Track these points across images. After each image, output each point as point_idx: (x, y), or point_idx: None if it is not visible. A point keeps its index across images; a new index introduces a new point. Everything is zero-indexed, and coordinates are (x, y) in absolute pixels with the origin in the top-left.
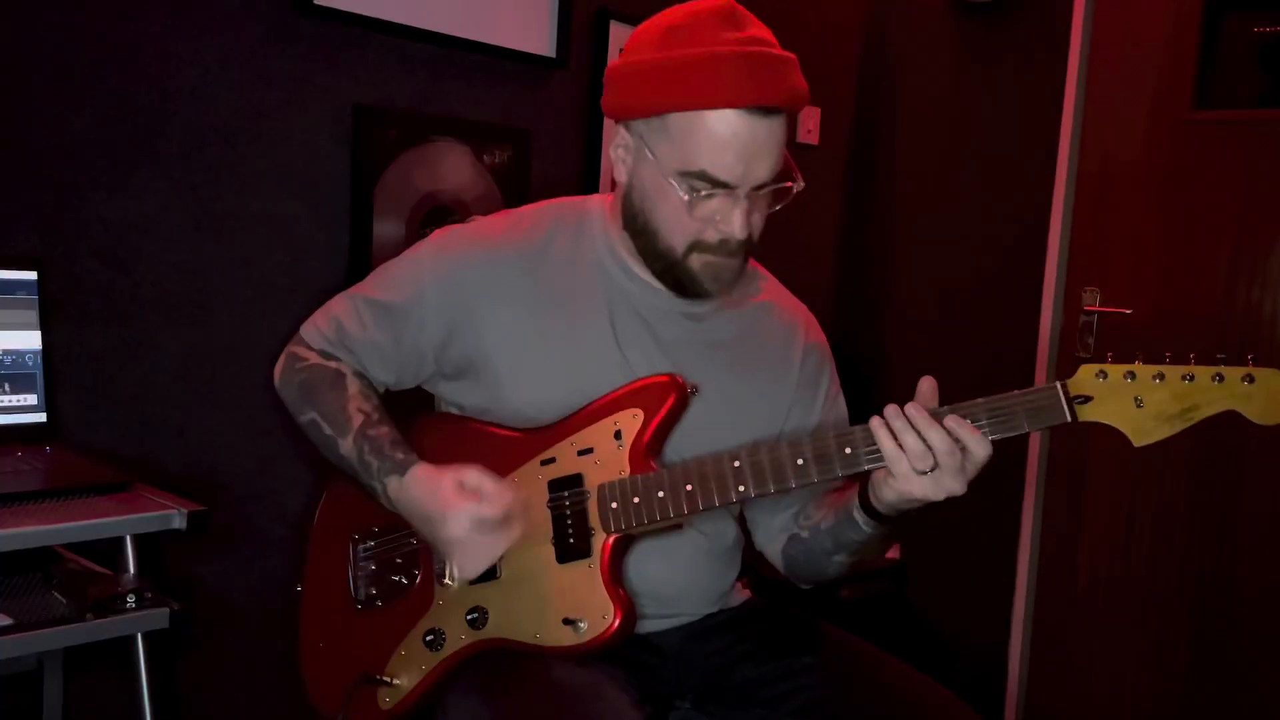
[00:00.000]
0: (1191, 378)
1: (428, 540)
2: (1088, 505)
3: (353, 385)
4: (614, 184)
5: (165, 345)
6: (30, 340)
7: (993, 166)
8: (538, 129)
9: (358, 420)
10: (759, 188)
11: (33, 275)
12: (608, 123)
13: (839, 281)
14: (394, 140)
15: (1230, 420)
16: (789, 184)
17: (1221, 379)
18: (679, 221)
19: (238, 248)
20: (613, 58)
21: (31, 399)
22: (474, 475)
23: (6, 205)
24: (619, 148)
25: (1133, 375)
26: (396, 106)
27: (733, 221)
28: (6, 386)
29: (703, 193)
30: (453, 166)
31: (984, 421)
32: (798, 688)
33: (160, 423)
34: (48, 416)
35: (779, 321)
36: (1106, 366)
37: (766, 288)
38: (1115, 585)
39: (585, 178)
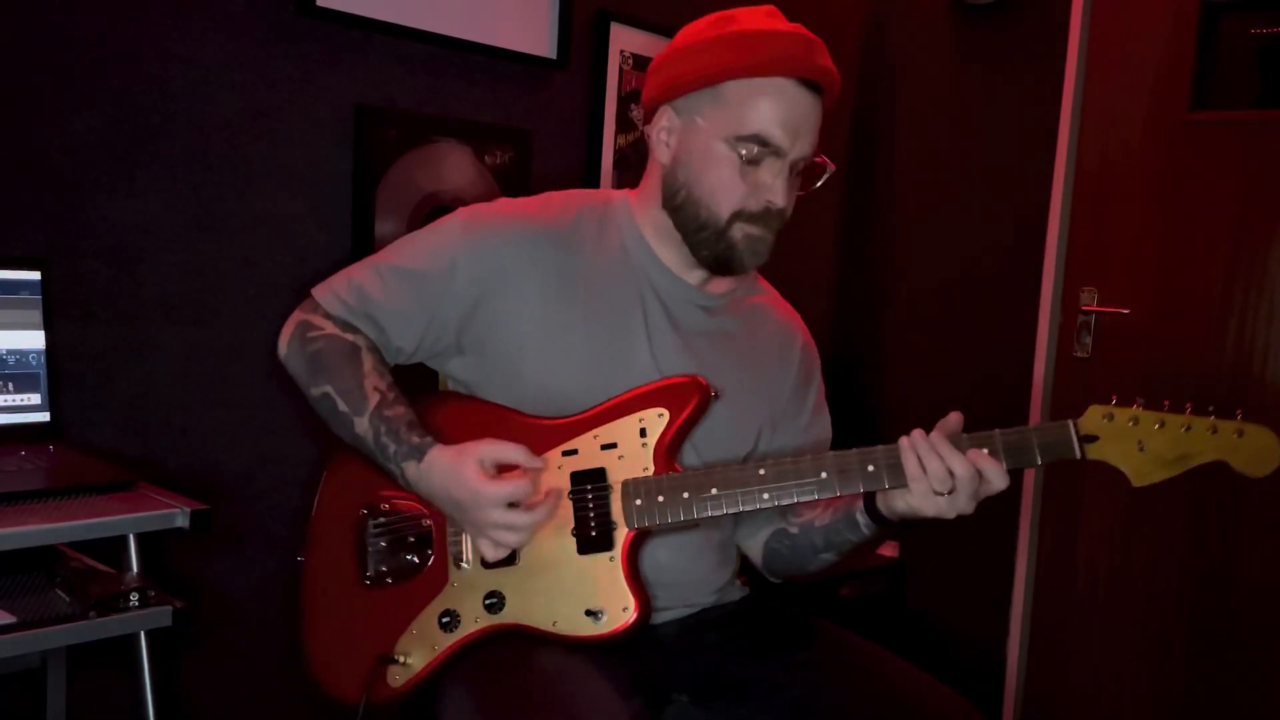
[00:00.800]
0: (1190, 428)
1: (456, 522)
2: (1086, 503)
3: (368, 361)
4: (641, 175)
5: (168, 345)
6: (34, 340)
7: (991, 167)
8: (538, 129)
9: (374, 399)
10: (801, 161)
11: (36, 275)
12: (608, 123)
13: (838, 281)
14: (395, 140)
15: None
16: (823, 159)
17: (1216, 431)
18: (727, 188)
19: (240, 248)
20: (613, 58)
21: (35, 398)
22: (491, 449)
23: (10, 206)
24: (661, 130)
25: (1136, 420)
26: (398, 107)
27: (778, 189)
28: (10, 386)
29: (755, 152)
30: (454, 166)
31: (1000, 454)
32: (794, 682)
33: (163, 422)
34: (51, 416)
35: (777, 322)
36: (1113, 409)
37: (765, 291)
38: (1114, 584)
39: (586, 178)
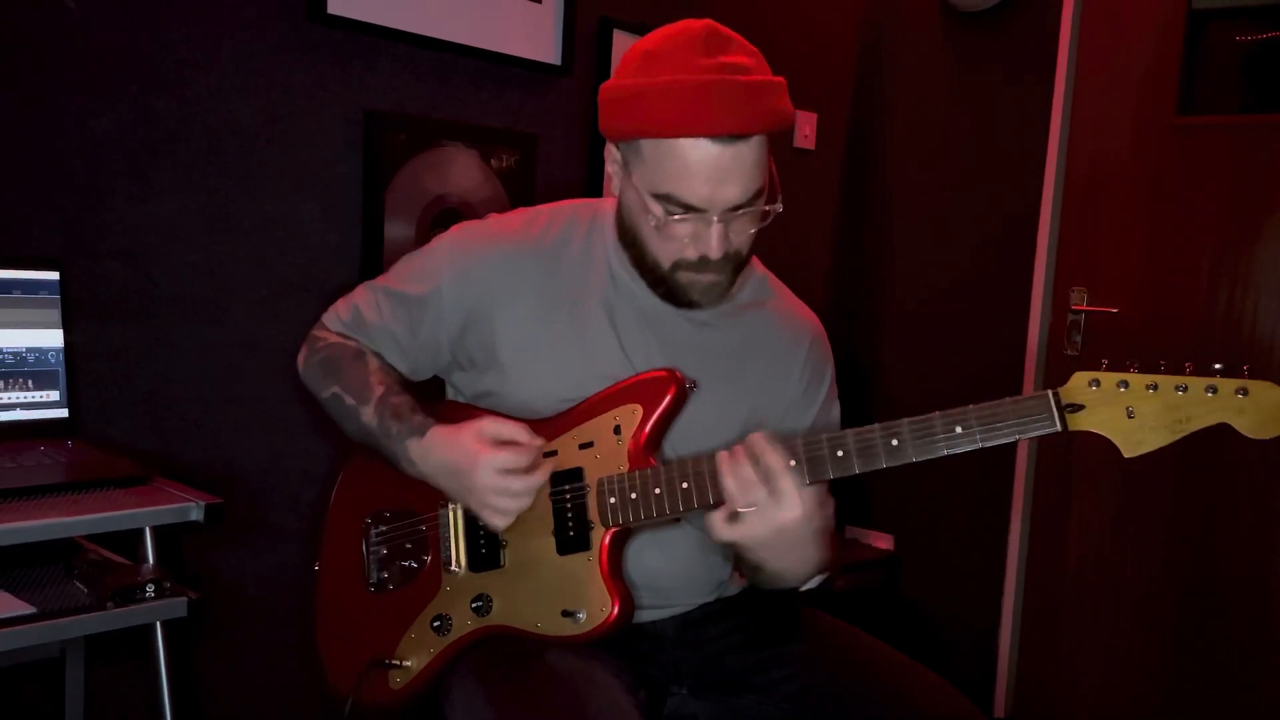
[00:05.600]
0: (1185, 389)
1: (457, 495)
2: (1076, 496)
3: (373, 361)
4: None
5: (183, 343)
6: (53, 338)
7: (984, 170)
8: (543, 134)
9: (379, 390)
10: (732, 209)
11: (55, 275)
12: None
13: (835, 281)
14: (404, 144)
15: None
16: (766, 207)
17: (1215, 391)
18: (659, 242)
19: (253, 248)
20: (615, 65)
21: (54, 395)
22: (493, 424)
23: (31, 208)
24: (612, 163)
25: (1126, 384)
26: (407, 112)
27: (708, 242)
28: (30, 383)
29: (675, 215)
30: (461, 170)
31: (975, 428)
32: (791, 674)
33: (178, 418)
34: (69, 412)
35: (783, 332)
36: (1100, 375)
37: (776, 296)
38: (1103, 575)
39: (590, 181)
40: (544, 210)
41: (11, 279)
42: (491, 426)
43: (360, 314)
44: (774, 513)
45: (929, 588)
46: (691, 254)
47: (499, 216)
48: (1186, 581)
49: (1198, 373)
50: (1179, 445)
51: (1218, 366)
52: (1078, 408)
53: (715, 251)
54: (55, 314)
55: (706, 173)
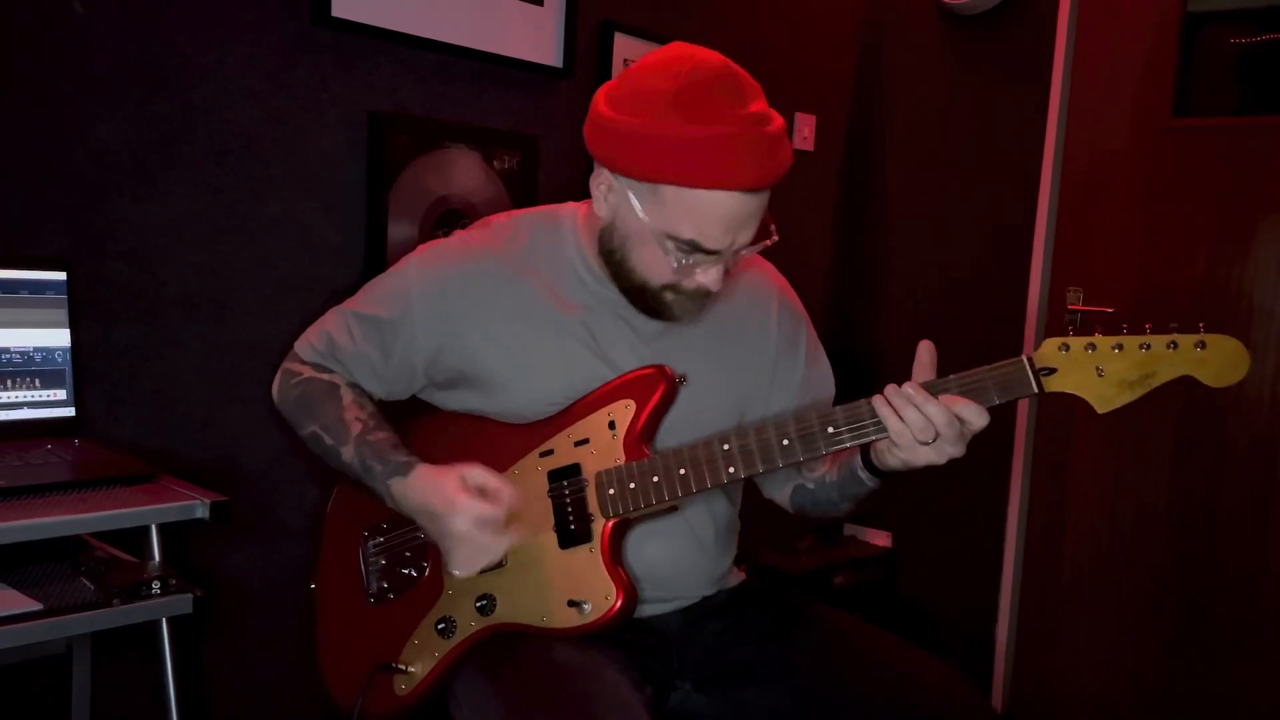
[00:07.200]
0: (1148, 346)
1: (432, 536)
2: (1072, 493)
3: (347, 395)
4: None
5: (188, 343)
6: (60, 338)
7: (981, 171)
8: (545, 135)
9: (356, 428)
10: (741, 249)
11: (62, 276)
12: None
13: (834, 282)
14: (407, 146)
15: (1208, 408)
16: (767, 242)
17: (1176, 346)
18: (659, 269)
19: (257, 249)
20: (617, 67)
21: (61, 394)
22: (477, 473)
23: (38, 209)
24: (601, 185)
25: (1093, 347)
26: (410, 113)
27: (711, 277)
28: (37, 382)
29: (690, 257)
30: (464, 171)
31: (956, 394)
32: (795, 667)
33: (183, 417)
34: (76, 411)
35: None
36: (1069, 340)
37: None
38: (1099, 570)
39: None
40: (504, 222)
41: (19, 279)
42: (475, 472)
43: (333, 340)
44: (968, 431)
45: (927, 584)
46: (688, 284)
47: (463, 233)
48: (1184, 576)
49: (1157, 331)
50: (1174, 442)
51: (1174, 325)
52: (1051, 371)
53: (716, 285)
54: (62, 314)
55: (731, 221)
